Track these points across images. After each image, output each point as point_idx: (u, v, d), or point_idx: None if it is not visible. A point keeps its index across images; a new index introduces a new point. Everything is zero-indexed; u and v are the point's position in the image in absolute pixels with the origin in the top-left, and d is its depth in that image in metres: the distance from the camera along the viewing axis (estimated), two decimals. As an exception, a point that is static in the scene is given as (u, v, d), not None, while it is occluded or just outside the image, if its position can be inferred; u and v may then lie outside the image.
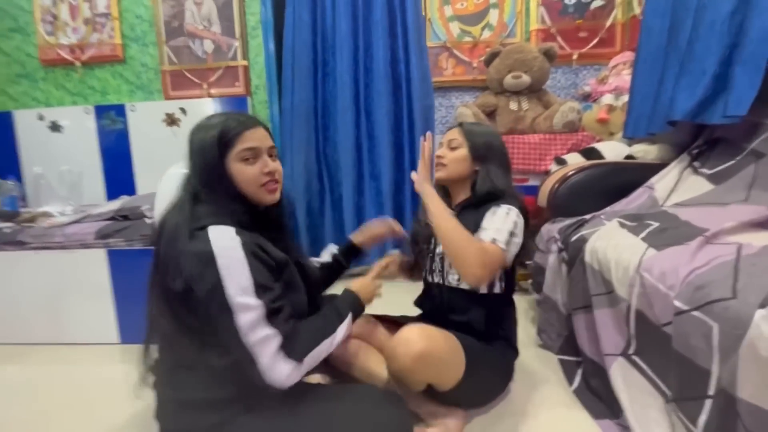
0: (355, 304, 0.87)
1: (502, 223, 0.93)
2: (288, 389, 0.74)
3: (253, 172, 0.79)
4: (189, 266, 0.70)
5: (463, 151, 1.05)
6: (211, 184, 0.77)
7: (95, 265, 1.45)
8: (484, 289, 1.00)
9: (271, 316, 0.71)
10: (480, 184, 1.03)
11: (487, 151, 1.05)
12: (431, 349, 0.84)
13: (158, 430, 0.80)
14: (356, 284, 0.91)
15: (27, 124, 2.26)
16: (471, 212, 1.02)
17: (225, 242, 0.71)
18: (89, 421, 1.06)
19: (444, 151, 1.07)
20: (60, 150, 2.24)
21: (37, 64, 2.35)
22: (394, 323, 1.10)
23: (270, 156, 0.82)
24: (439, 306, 1.05)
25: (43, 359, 1.43)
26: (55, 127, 2.27)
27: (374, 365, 0.99)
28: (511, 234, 0.92)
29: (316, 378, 1.00)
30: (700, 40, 1.16)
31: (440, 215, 0.93)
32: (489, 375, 0.98)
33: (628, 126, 1.63)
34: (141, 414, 1.03)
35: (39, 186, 1.95)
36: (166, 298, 0.75)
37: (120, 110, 2.25)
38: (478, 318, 0.99)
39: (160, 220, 0.80)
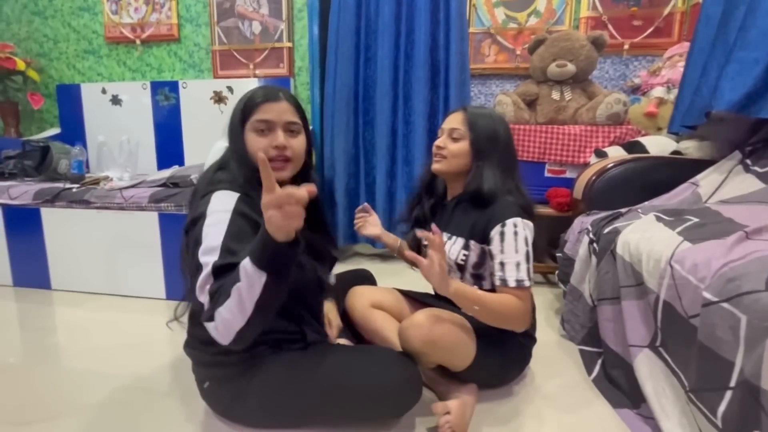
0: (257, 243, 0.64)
1: (515, 252, 0.89)
2: (308, 345, 0.84)
3: (263, 143, 0.81)
4: (188, 224, 0.78)
5: (465, 145, 0.98)
6: (232, 151, 0.84)
7: (148, 226, 1.59)
8: (488, 287, 0.99)
9: (216, 274, 0.68)
10: (469, 183, 0.98)
11: (488, 146, 0.98)
12: (440, 334, 0.87)
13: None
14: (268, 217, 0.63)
15: (92, 97, 2.46)
16: (466, 209, 1.00)
17: (219, 206, 0.75)
18: (134, 358, 1.20)
19: (445, 141, 1.00)
20: (119, 121, 2.43)
21: (102, 41, 2.54)
22: (416, 301, 1.13)
23: (289, 132, 0.83)
24: (449, 301, 1.06)
25: (99, 306, 1.60)
26: (115, 100, 2.46)
27: (396, 338, 1.01)
28: (527, 257, 0.90)
29: (342, 341, 1.06)
30: (755, 27, 1.08)
31: (476, 303, 0.86)
32: (502, 360, 0.99)
33: (675, 120, 1.55)
34: (180, 357, 1.15)
35: (101, 153, 2.13)
36: (185, 254, 0.83)
37: (173, 87, 2.40)
38: None
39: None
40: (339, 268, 1.15)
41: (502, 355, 0.98)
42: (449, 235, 1.02)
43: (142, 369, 1.14)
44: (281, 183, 0.82)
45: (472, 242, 0.97)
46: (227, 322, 0.65)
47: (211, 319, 0.66)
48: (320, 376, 0.81)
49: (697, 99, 1.33)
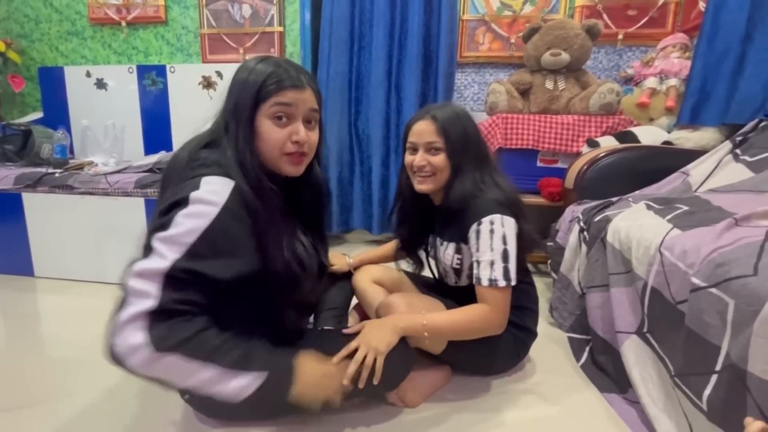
0: (277, 375, 0.64)
1: (489, 251, 0.84)
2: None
3: (280, 135, 0.70)
4: (163, 209, 0.63)
5: (444, 157, 0.92)
6: (234, 130, 0.69)
7: (133, 212, 1.56)
8: None
9: (170, 280, 0.58)
10: (453, 192, 0.91)
11: (464, 148, 0.92)
12: None
13: None
14: (309, 365, 0.68)
15: (75, 80, 2.38)
16: (455, 213, 0.93)
17: (207, 195, 0.62)
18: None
19: (425, 157, 0.92)
20: (104, 106, 2.37)
21: (86, 23, 2.46)
22: (420, 284, 1.15)
23: (308, 123, 0.74)
24: (452, 291, 1.06)
25: (83, 294, 1.57)
26: (100, 84, 2.38)
27: None
28: (504, 255, 0.85)
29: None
30: None
31: (433, 328, 0.83)
32: (489, 350, 0.98)
33: (685, 112, 1.53)
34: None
35: (86, 137, 2.07)
36: None
37: (160, 71, 2.33)
38: None
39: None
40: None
41: (490, 346, 0.97)
42: (441, 240, 1.00)
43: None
44: (291, 179, 0.77)
45: (463, 246, 0.94)
46: (167, 367, 0.56)
47: (157, 348, 0.55)
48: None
49: (742, 95, 1.33)
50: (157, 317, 0.56)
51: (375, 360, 0.76)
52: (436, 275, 1.11)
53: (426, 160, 0.93)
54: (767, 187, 1.04)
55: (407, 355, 0.85)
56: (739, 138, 1.27)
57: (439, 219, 1.01)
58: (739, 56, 1.36)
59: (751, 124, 1.26)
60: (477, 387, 1.00)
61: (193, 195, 0.62)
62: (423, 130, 0.93)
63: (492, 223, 0.85)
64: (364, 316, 1.18)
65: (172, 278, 0.58)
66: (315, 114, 0.75)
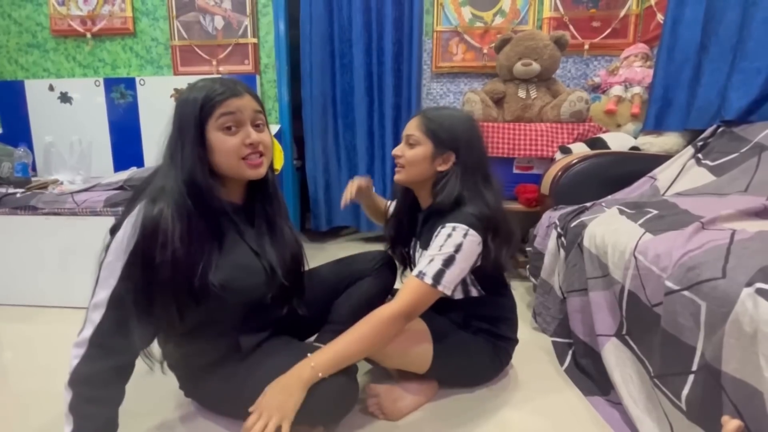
0: None
1: (437, 249, 0.83)
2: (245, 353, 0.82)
3: (234, 142, 0.74)
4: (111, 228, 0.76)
5: (424, 149, 0.91)
6: (184, 152, 0.73)
7: (103, 232, 1.47)
8: (459, 294, 0.97)
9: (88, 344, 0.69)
10: (440, 191, 0.90)
11: (454, 144, 0.90)
12: (391, 345, 0.85)
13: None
14: None
15: (37, 94, 2.28)
16: (435, 220, 0.90)
17: (126, 232, 0.70)
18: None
19: (402, 148, 0.94)
20: (69, 121, 2.27)
21: (47, 35, 2.36)
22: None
23: (256, 126, 0.77)
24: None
25: (49, 320, 1.48)
26: (65, 98, 2.29)
27: None
28: (447, 260, 0.81)
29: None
30: (752, 39, 1.17)
31: (330, 361, 0.76)
32: (471, 364, 0.98)
33: (650, 119, 1.61)
34: (138, 374, 1.07)
35: (49, 154, 1.97)
36: None
37: (129, 84, 2.26)
38: (455, 318, 0.99)
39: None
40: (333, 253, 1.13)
41: (471, 359, 0.98)
42: (419, 247, 0.99)
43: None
44: (257, 180, 0.80)
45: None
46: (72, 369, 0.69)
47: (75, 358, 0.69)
48: (251, 389, 0.76)
49: (699, 102, 1.41)
50: (94, 335, 0.69)
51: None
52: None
53: (401, 151, 0.95)
54: (729, 189, 1.10)
55: (347, 394, 0.81)
56: (700, 143, 1.34)
57: (420, 225, 1.00)
58: (696, 66, 1.45)
59: (710, 129, 1.34)
60: (461, 393, 1.01)
61: (121, 231, 0.71)
62: (409, 124, 0.96)
63: (454, 229, 0.84)
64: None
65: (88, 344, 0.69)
66: (260, 115, 0.78)
